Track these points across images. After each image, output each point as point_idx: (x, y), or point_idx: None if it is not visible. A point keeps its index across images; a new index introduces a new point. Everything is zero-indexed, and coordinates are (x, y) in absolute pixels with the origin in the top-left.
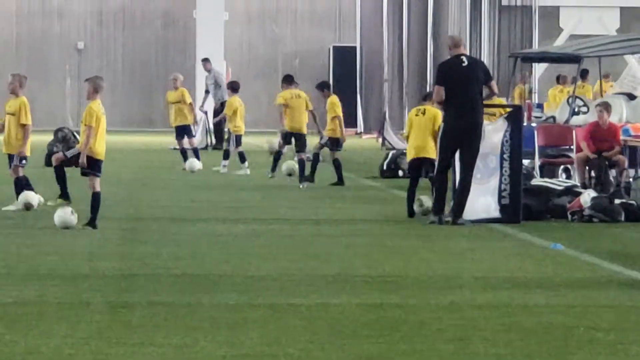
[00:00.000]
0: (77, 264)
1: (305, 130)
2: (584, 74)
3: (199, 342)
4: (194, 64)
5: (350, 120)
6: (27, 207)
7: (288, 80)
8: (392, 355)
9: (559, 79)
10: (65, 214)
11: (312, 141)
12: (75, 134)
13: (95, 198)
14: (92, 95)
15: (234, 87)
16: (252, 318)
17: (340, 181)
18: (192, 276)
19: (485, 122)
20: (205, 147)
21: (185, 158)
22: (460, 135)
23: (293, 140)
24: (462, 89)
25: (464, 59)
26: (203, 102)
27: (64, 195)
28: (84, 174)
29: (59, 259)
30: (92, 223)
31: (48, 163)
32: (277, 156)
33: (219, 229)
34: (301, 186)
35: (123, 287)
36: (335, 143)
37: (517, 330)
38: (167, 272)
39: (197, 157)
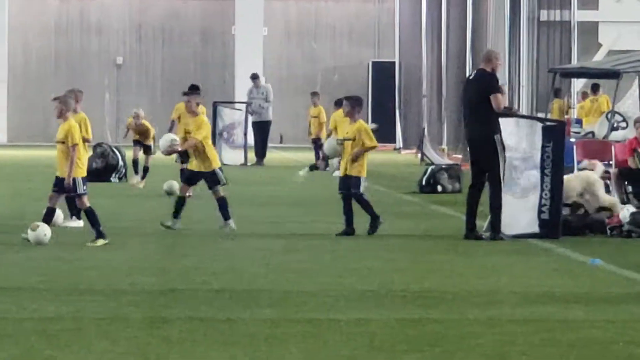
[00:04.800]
0: (116, 280)
1: None
2: (595, 88)
3: (237, 358)
4: (233, 80)
5: (389, 135)
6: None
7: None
8: None
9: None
10: (39, 233)
11: None
12: (115, 149)
13: (90, 213)
14: (64, 113)
15: None
16: (291, 333)
17: None
18: (231, 291)
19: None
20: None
21: (136, 170)
22: (470, 151)
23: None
24: (466, 103)
25: (474, 72)
26: (246, 120)
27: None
28: (72, 196)
29: (98, 274)
30: (100, 236)
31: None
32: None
33: (258, 244)
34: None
35: (162, 302)
36: None
37: (555, 345)
38: (206, 287)
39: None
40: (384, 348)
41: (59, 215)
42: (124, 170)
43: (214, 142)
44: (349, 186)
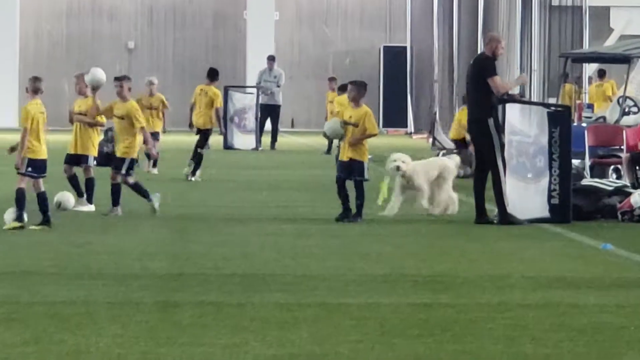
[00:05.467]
0: (127, 264)
1: None
2: (601, 74)
3: (248, 342)
4: (244, 64)
5: (400, 120)
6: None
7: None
8: (442, 355)
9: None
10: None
11: None
12: None
13: (42, 198)
14: (31, 94)
15: None
16: (302, 317)
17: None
18: (241, 276)
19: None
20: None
21: (155, 164)
22: (468, 132)
23: None
24: (467, 88)
25: (475, 57)
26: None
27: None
28: (22, 174)
29: (109, 259)
30: (46, 222)
31: (99, 163)
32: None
33: (269, 229)
34: None
35: (173, 286)
36: None
37: (567, 330)
38: (216, 272)
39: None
40: (394, 332)
41: (70, 199)
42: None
43: (225, 126)
44: (350, 171)
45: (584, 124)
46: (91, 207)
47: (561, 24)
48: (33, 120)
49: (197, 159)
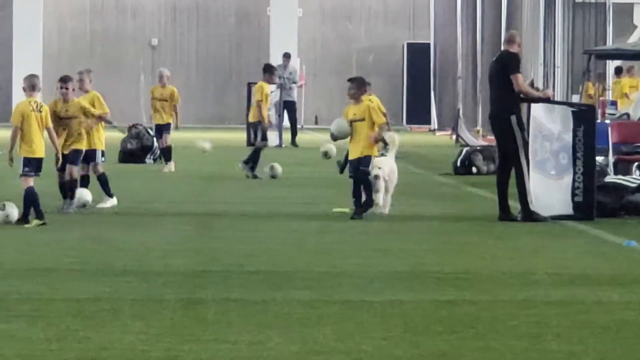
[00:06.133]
0: (150, 261)
1: None
2: (618, 71)
3: (272, 339)
4: (267, 60)
5: (424, 117)
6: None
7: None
8: (465, 351)
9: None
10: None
11: None
12: (149, 130)
13: (28, 194)
14: (26, 92)
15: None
16: (325, 314)
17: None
18: (265, 272)
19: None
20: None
21: (168, 158)
22: (492, 129)
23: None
24: (489, 85)
25: (498, 54)
26: (281, 100)
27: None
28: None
29: (133, 256)
30: (25, 219)
31: (123, 160)
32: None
33: (292, 226)
34: None
35: (196, 283)
36: None
37: (590, 327)
38: (240, 269)
39: (169, 159)
40: (417, 329)
41: (86, 194)
42: (158, 152)
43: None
44: (358, 166)
45: (607, 121)
46: (114, 201)
47: (584, 20)
48: (24, 119)
49: (254, 155)
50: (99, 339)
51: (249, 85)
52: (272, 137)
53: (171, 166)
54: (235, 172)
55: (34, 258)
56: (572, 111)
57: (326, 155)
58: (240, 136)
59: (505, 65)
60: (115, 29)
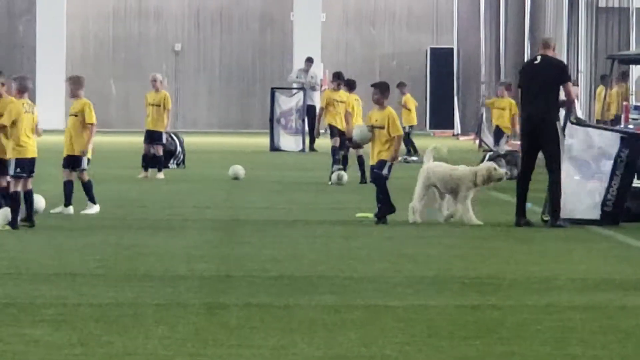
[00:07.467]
0: (174, 265)
1: None
2: (624, 76)
3: (296, 344)
4: (291, 66)
5: (447, 121)
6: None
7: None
8: (489, 357)
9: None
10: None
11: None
12: (173, 135)
13: (28, 195)
14: (16, 94)
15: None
16: (349, 319)
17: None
18: (289, 277)
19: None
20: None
21: (159, 167)
22: (529, 136)
23: None
24: (531, 89)
25: (539, 58)
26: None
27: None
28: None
29: (156, 260)
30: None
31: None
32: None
33: (316, 231)
34: None
35: (220, 288)
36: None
37: (614, 332)
38: (264, 274)
39: (160, 168)
40: (442, 334)
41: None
42: (182, 157)
43: (271, 128)
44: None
45: (630, 126)
46: (96, 208)
47: (608, 25)
48: (17, 119)
49: (344, 162)
50: (123, 344)
51: (272, 91)
52: (296, 142)
53: (161, 174)
54: (260, 177)
55: (60, 263)
56: (621, 137)
57: (339, 181)
58: (264, 141)
59: (560, 72)
60: (138, 34)
